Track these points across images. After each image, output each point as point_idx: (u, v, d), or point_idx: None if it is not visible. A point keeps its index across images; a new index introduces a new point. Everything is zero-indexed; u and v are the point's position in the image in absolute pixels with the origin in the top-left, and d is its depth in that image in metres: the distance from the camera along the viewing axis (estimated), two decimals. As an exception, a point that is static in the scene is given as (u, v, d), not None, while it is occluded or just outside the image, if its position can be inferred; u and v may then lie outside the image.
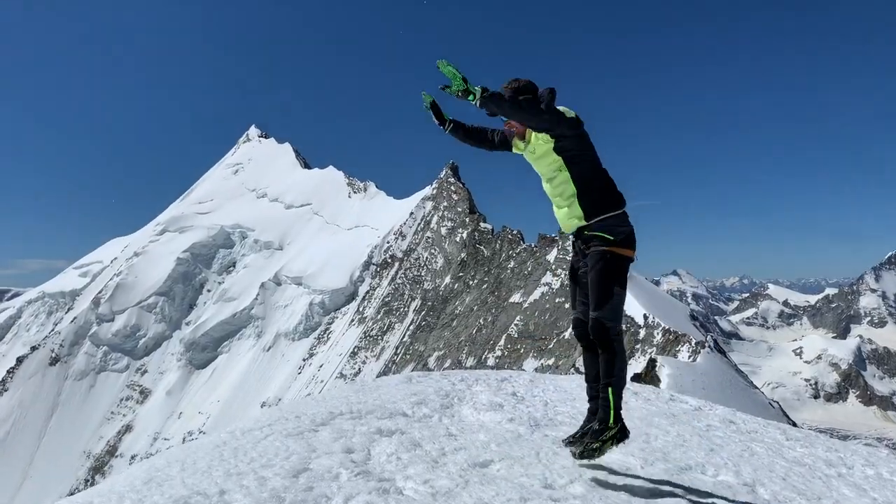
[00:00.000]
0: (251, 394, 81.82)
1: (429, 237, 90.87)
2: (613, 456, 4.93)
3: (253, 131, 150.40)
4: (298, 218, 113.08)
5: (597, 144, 4.29)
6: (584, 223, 4.24)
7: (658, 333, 45.81)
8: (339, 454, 4.30)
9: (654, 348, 44.23)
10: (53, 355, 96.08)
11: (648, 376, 32.08)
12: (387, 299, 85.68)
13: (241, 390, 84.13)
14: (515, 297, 65.41)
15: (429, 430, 5.21)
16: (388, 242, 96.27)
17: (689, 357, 40.29)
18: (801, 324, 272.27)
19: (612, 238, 4.14)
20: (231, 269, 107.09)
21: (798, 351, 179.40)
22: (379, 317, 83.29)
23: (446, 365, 60.32)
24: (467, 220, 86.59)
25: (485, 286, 72.71)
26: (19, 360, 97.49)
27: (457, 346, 64.50)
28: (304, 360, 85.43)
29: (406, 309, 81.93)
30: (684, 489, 4.22)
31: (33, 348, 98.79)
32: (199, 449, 4.49)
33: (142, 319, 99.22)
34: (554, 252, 67.11)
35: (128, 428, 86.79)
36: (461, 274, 78.78)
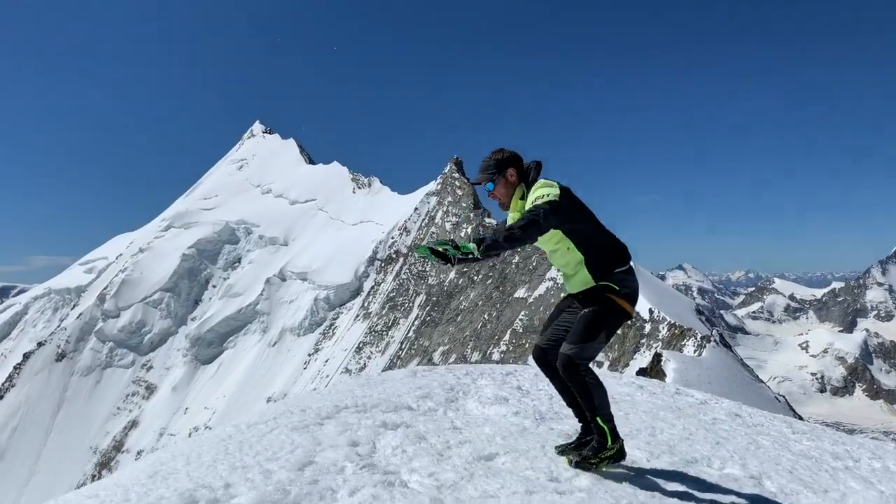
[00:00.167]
0: (257, 389, 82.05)
1: (433, 232, 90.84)
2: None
3: (257, 127, 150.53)
4: (303, 213, 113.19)
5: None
6: (594, 284, 4.18)
7: (664, 328, 45.76)
8: (344, 447, 4.30)
9: (660, 343, 44.19)
10: (60, 351, 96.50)
11: (654, 370, 32.06)
12: (391, 294, 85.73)
13: (247, 385, 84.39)
14: (520, 292, 65.39)
15: (434, 424, 5.20)
16: (392, 238, 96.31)
17: (695, 351, 40.25)
18: (807, 318, 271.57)
19: (617, 289, 4.09)
20: (236, 264, 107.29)
21: (804, 345, 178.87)
22: (384, 312, 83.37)
23: (451, 360, 60.39)
24: (472, 215, 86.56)
25: (489, 281, 72.69)
26: (26, 356, 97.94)
27: (462, 341, 64.54)
28: (309, 355, 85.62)
29: (411, 304, 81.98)
30: (690, 482, 4.21)
31: (40, 344, 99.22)
32: (204, 443, 4.49)
33: (147, 315, 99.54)
34: (559, 247, 66.99)
35: (134, 423, 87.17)
36: (466, 269, 78.74)
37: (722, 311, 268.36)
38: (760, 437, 6.12)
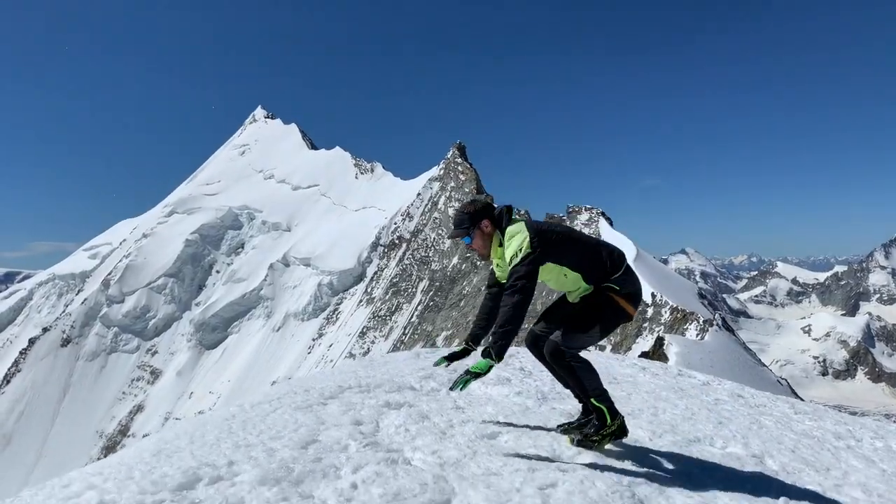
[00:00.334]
0: (261, 373, 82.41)
1: (436, 218, 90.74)
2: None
3: (259, 112, 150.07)
4: (306, 199, 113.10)
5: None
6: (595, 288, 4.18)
7: (666, 312, 45.80)
8: (347, 426, 4.32)
9: (662, 327, 44.25)
10: (65, 336, 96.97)
11: (656, 354, 32.11)
12: (395, 280, 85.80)
13: (252, 370, 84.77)
14: (523, 277, 65.31)
15: (437, 404, 5.22)
16: (395, 223, 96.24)
17: (697, 335, 40.30)
18: (809, 301, 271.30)
19: (618, 288, 4.09)
20: (239, 250, 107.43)
21: (806, 328, 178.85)
22: (387, 297, 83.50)
23: (454, 344, 60.51)
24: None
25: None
26: (31, 342, 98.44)
27: (465, 325, 64.66)
28: (313, 340, 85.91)
29: (414, 289, 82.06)
30: (692, 460, 4.22)
31: (45, 329, 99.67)
32: (208, 422, 4.51)
33: (151, 300, 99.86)
34: (561, 231, 66.87)
35: (139, 408, 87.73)
36: (468, 254, 78.72)
37: (724, 295, 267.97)
38: (763, 417, 6.13)
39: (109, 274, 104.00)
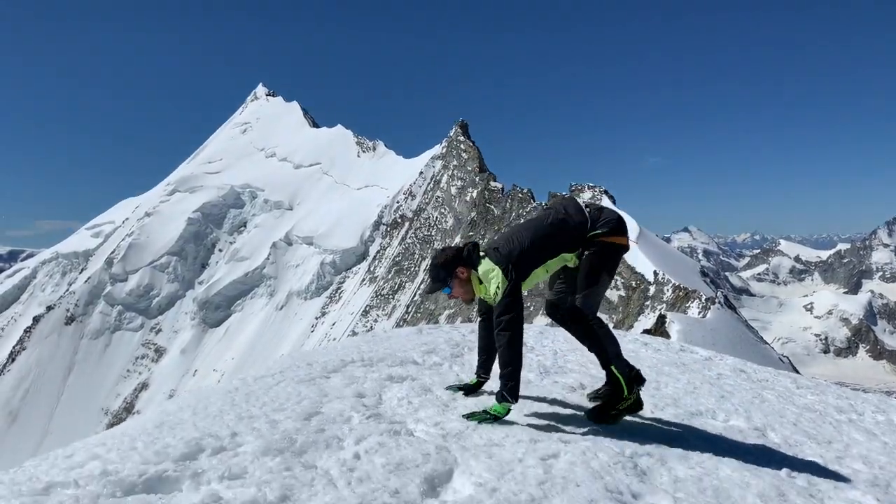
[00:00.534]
0: (265, 351, 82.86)
1: (439, 196, 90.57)
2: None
3: (260, 90, 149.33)
4: (308, 177, 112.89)
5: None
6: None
7: (668, 290, 45.78)
8: (350, 399, 4.34)
9: (664, 304, 44.26)
10: (69, 315, 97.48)
11: (658, 332, 32.15)
12: (397, 259, 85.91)
13: (255, 348, 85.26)
14: (525, 255, 65.33)
15: (439, 377, 5.23)
16: (397, 202, 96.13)
17: (699, 313, 40.32)
18: (812, 279, 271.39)
19: (601, 231, 4.10)
20: (242, 228, 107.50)
21: (809, 306, 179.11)
22: (390, 276, 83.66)
23: (457, 322, 60.69)
24: (477, 179, 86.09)
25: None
26: (36, 320, 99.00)
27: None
28: (316, 318, 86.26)
29: (416, 268, 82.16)
30: (695, 433, 4.22)
31: (49, 308, 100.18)
32: (211, 394, 4.53)
33: (155, 279, 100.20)
34: (564, 209, 66.68)
35: (144, 385, 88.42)
36: (471, 233, 78.66)
37: (727, 274, 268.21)
38: (765, 391, 6.13)
39: (113, 252, 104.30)
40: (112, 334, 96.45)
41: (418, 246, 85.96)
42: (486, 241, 74.05)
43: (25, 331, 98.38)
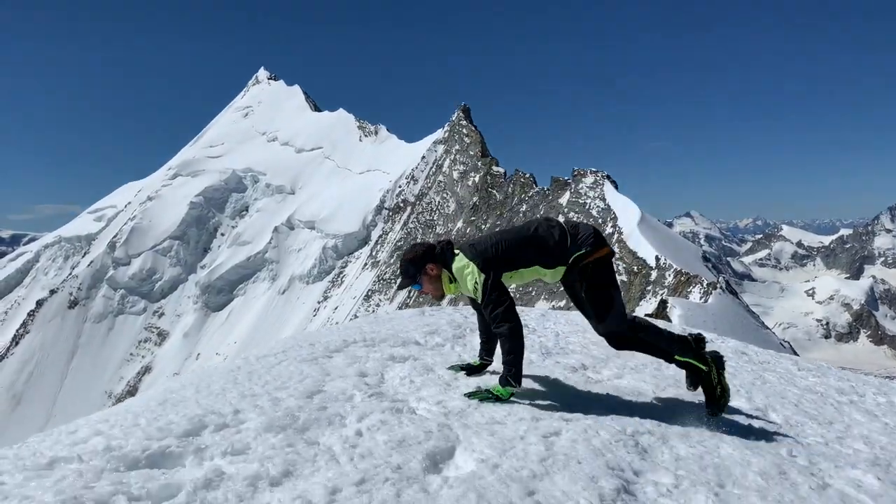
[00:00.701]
0: (267, 335, 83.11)
1: (441, 181, 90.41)
2: (625, 382, 4.96)
3: (262, 73, 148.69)
4: (310, 162, 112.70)
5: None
6: (565, 267, 4.16)
7: (670, 275, 45.78)
8: (352, 378, 4.35)
9: (666, 289, 44.27)
10: (72, 298, 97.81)
11: (659, 317, 32.22)
12: (399, 243, 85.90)
13: (258, 332, 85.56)
14: (527, 240, 65.23)
15: (441, 357, 5.25)
16: (399, 187, 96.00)
17: (701, 298, 40.35)
18: (814, 265, 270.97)
19: (582, 252, 4.05)
20: (244, 212, 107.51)
21: (810, 291, 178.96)
22: (392, 261, 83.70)
23: (460, 305, 60.83)
24: (479, 163, 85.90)
25: (497, 229, 72.60)
26: (39, 304, 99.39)
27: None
28: (318, 302, 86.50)
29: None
30: (696, 413, 4.23)
31: (52, 292, 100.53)
32: (214, 373, 4.55)
33: (157, 263, 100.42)
34: (566, 195, 66.70)
35: (147, 369, 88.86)
36: (473, 218, 78.65)
37: (729, 259, 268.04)
38: (766, 373, 6.15)
39: (115, 236, 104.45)
40: (115, 318, 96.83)
41: (420, 230, 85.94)
42: (487, 225, 74.14)
43: (29, 314, 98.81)
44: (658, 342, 4.14)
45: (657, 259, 47.96)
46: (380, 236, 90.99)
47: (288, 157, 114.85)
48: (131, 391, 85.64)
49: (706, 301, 39.40)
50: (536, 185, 74.17)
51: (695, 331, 4.80)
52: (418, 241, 79.69)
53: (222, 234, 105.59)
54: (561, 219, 4.52)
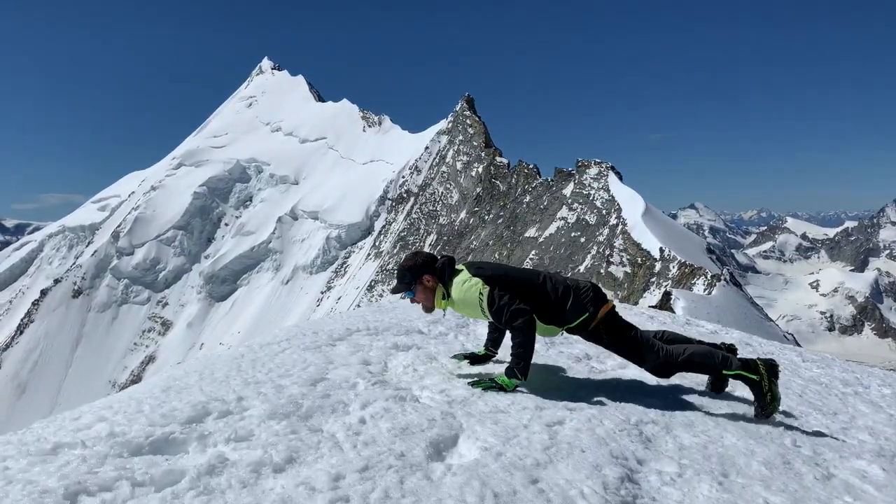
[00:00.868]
0: (271, 326, 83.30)
1: (444, 172, 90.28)
2: (629, 372, 4.95)
3: (266, 63, 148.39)
4: (313, 152, 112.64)
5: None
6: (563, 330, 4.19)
7: (674, 266, 45.69)
8: (356, 366, 4.36)
9: (670, 281, 44.20)
10: (76, 288, 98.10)
11: (663, 309, 32.14)
12: (402, 234, 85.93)
13: (261, 322, 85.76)
14: (531, 232, 65.34)
15: (445, 346, 5.25)
16: (403, 177, 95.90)
17: (705, 290, 40.26)
18: (818, 257, 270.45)
19: (587, 315, 4.06)
20: (248, 203, 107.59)
21: (814, 284, 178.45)
22: (395, 251, 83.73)
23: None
24: (483, 154, 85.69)
25: (500, 221, 72.58)
26: (43, 293, 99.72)
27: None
28: (322, 292, 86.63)
29: (422, 243, 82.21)
30: (700, 403, 4.23)
31: (56, 281, 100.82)
32: (217, 360, 4.55)
33: (161, 253, 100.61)
34: (570, 186, 66.52)
35: (151, 358, 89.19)
36: (477, 209, 78.57)
37: (733, 251, 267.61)
38: (770, 363, 6.13)
39: (119, 226, 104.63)
40: (119, 307, 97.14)
41: (423, 221, 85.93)
42: (490, 216, 74.07)
43: (33, 303, 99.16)
44: (707, 363, 4.10)
45: (661, 251, 47.86)
46: (383, 227, 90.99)
47: (292, 147, 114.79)
48: (135, 380, 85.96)
49: (710, 293, 39.31)
50: (540, 176, 73.99)
51: (710, 327, 4.79)
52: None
53: (226, 225, 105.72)
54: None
